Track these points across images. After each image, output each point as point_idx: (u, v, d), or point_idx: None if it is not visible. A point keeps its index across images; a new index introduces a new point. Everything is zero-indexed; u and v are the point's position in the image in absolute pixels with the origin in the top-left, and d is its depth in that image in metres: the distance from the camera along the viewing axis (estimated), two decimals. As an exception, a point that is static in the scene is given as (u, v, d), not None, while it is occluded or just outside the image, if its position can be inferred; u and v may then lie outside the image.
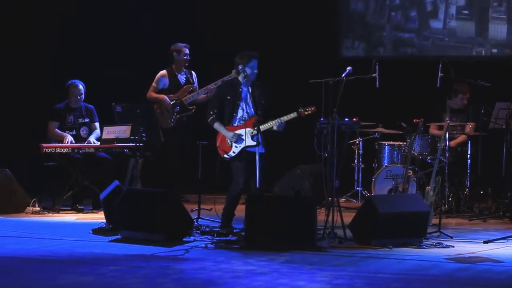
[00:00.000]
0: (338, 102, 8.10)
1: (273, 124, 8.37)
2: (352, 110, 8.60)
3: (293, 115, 8.37)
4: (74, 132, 10.39)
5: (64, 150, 10.08)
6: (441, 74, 9.68)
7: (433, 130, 10.59)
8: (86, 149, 10.18)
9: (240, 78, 8.50)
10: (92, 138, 10.33)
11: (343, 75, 8.25)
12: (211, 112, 8.56)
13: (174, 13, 12.75)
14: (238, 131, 8.43)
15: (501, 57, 12.17)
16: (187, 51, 10.75)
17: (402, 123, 10.20)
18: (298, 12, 12.56)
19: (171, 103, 10.58)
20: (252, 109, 8.42)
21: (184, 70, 10.79)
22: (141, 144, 9.48)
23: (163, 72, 10.77)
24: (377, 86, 8.51)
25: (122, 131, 9.84)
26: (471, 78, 10.10)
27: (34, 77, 12.39)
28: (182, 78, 10.77)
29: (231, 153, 8.47)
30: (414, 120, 9.62)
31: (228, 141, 8.46)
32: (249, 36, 12.14)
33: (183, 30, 12.38)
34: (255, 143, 8.27)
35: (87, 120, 10.53)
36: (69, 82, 10.52)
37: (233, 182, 8.52)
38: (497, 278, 6.47)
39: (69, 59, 12.40)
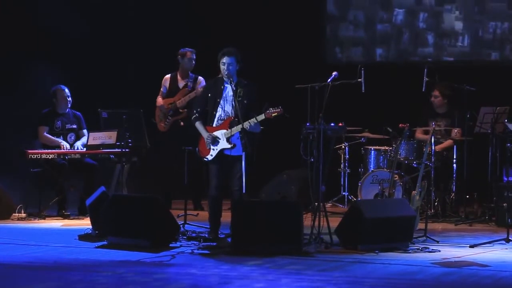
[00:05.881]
0: (324, 107, 8.11)
1: (245, 126, 8.10)
2: (338, 115, 8.61)
3: (261, 117, 8.15)
4: (61, 138, 10.37)
5: (50, 156, 10.05)
6: (427, 79, 9.73)
7: (419, 134, 10.63)
8: (72, 155, 10.17)
9: (224, 76, 8.36)
10: (78, 144, 10.32)
11: (329, 80, 8.25)
12: (194, 111, 8.48)
13: (161, 17, 12.72)
14: (215, 133, 8.29)
15: (489, 60, 12.20)
16: (191, 56, 10.73)
17: (388, 128, 10.23)
18: (284, 16, 12.56)
19: (167, 107, 10.66)
20: (232, 109, 8.26)
21: (191, 75, 10.78)
22: (127, 149, 9.47)
23: (167, 76, 10.87)
24: (363, 91, 8.53)
25: (108, 136, 9.83)
26: (456, 82, 10.15)
27: (20, 83, 12.32)
28: (182, 82, 10.77)
29: (209, 156, 8.35)
30: (400, 125, 9.64)
31: (206, 142, 8.36)
32: (236, 40, 12.12)
33: (169, 35, 12.35)
34: (230, 146, 8.22)
35: (74, 126, 10.51)
36: (55, 87, 10.51)
37: (209, 186, 8.47)
38: (483, 283, 6.48)
39: (54, 65, 12.34)
